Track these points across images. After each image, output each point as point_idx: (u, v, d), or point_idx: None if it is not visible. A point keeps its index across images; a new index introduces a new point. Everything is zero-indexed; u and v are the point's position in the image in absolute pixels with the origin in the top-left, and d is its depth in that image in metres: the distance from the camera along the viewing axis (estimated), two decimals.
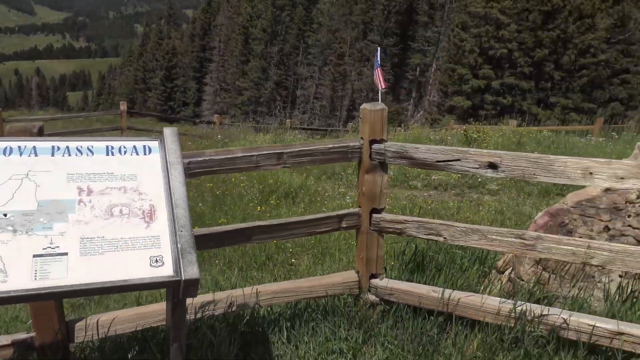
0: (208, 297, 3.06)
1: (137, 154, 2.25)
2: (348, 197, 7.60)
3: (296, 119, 46.83)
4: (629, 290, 3.16)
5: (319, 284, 3.27)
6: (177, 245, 1.97)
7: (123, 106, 15.12)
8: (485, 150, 2.79)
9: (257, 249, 5.28)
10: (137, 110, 46.13)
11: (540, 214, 3.89)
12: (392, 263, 3.93)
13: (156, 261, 1.96)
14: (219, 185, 7.59)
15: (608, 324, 2.66)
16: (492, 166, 2.74)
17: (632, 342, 2.58)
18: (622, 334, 2.60)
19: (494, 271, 4.13)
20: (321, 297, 3.32)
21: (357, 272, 3.35)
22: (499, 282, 3.91)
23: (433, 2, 49.52)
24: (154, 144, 2.29)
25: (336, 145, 3.08)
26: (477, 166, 2.79)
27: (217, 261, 5.20)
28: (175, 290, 1.99)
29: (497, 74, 35.48)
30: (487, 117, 30.21)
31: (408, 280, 3.46)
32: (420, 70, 50.33)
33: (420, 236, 3.13)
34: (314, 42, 53.28)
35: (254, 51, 55.03)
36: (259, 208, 6.62)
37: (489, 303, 2.96)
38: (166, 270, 1.95)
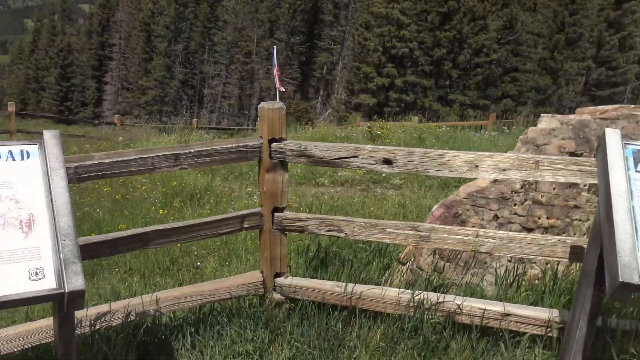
0: (104, 307, 2.90)
1: (14, 159, 2.08)
2: (255, 197, 7.54)
3: (204, 118, 45.81)
4: (514, 274, 3.39)
5: (223, 286, 3.21)
6: (59, 256, 1.85)
7: (11, 107, 14.01)
8: (380, 147, 2.87)
9: (161, 254, 5.10)
10: (30, 112, 43.01)
11: (436, 206, 4.08)
12: (298, 261, 3.95)
13: (36, 274, 1.82)
14: (118, 189, 7.25)
15: (496, 307, 2.84)
16: (387, 162, 2.83)
17: (517, 322, 2.77)
18: (508, 314, 2.79)
19: (396, 263, 4.28)
20: (226, 299, 3.27)
21: (262, 272, 3.32)
22: (401, 273, 4.05)
23: (338, 2, 50.47)
24: (33, 149, 2.13)
25: (235, 145, 3.04)
26: (374, 162, 2.87)
27: (117, 269, 4.96)
28: (60, 304, 1.86)
29: (400, 72, 36.84)
30: (391, 114, 31.27)
31: (312, 277, 3.49)
32: (328, 68, 51.12)
33: (322, 233, 3.16)
34: (220, 40, 52.39)
35: (157, 49, 53.13)
36: (161, 211, 6.40)
37: (389, 294, 3.06)
38: (47, 283, 1.82)
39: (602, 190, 2.02)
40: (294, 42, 48.28)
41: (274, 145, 3.04)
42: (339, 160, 2.94)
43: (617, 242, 1.79)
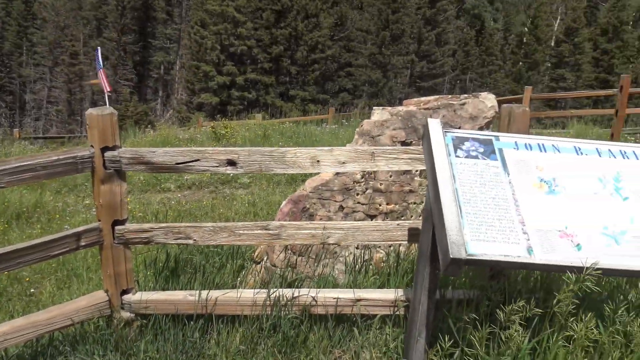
0: None
1: None
2: (94, 210, 6.99)
3: (28, 127, 41.32)
4: (362, 260, 3.57)
5: (61, 312, 2.92)
6: None
7: None
8: (222, 149, 2.81)
9: None
10: None
11: (284, 202, 4.14)
12: (147, 274, 3.74)
13: None
14: None
15: (348, 294, 2.97)
16: (231, 163, 2.78)
17: (367, 306, 2.92)
18: (359, 300, 2.93)
19: (250, 263, 4.26)
20: (68, 326, 2.97)
21: (107, 291, 3.08)
22: (256, 273, 4.05)
23: None
24: None
25: (62, 157, 2.76)
26: (217, 164, 2.81)
27: None
28: None
29: (240, 70, 36.80)
30: (235, 113, 31.17)
31: (164, 289, 3.33)
32: (165, 68, 49.19)
33: (170, 242, 3.02)
34: (39, 39, 47.52)
35: None
36: None
37: (245, 296, 3.03)
38: None
39: (430, 175, 2.20)
40: (125, 41, 45.58)
41: (108, 154, 2.82)
42: (181, 165, 2.83)
43: (445, 222, 1.96)
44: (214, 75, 36.08)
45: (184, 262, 3.69)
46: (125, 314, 3.09)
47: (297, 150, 2.77)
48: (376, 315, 2.96)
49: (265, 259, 4.24)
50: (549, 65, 50.14)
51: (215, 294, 3.05)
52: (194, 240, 2.97)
